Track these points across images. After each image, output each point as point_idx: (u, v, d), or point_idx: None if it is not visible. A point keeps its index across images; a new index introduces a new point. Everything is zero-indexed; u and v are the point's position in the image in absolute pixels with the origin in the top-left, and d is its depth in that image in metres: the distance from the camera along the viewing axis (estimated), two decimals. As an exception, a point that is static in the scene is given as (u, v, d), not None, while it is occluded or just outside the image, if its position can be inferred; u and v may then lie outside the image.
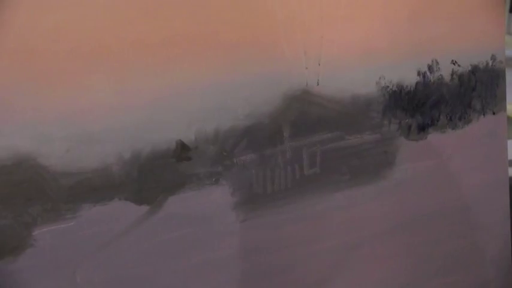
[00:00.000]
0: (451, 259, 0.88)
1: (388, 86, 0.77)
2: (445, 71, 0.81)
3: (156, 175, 0.64)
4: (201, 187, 0.67)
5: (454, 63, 0.82)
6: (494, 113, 0.87)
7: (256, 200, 0.71)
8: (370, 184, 0.79)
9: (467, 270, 0.90)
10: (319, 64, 0.71)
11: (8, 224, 0.57)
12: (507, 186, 0.90)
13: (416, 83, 0.79)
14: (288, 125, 0.71)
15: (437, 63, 0.80)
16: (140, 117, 0.61)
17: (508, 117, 0.90)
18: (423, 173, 0.83)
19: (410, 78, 0.78)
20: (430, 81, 0.80)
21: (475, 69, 0.84)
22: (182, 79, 0.63)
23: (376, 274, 0.82)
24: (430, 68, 0.80)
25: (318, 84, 0.71)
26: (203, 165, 0.66)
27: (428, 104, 0.81)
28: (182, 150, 0.64)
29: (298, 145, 0.72)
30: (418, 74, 0.79)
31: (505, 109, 0.88)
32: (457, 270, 0.89)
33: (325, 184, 0.75)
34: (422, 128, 0.81)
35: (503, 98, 0.87)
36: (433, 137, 0.83)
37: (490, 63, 0.85)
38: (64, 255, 0.60)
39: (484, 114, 0.86)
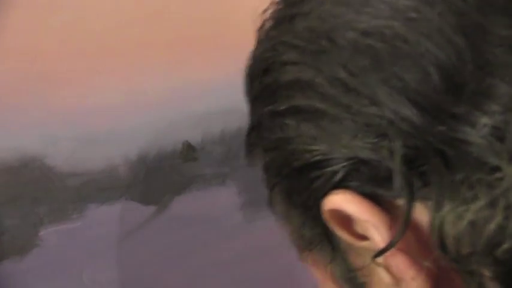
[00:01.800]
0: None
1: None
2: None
3: (163, 176, 0.64)
4: (208, 188, 0.67)
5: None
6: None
7: (262, 201, 0.71)
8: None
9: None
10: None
11: (15, 223, 0.57)
12: None
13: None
14: (295, 126, 0.70)
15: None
16: (147, 118, 0.61)
17: None
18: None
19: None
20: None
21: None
22: (189, 80, 0.63)
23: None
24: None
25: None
26: (210, 166, 0.66)
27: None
28: (189, 151, 0.64)
29: (305, 146, 0.72)
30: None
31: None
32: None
33: (332, 185, 0.75)
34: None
35: None
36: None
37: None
38: (71, 255, 0.61)
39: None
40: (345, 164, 0.28)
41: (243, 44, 0.66)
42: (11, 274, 0.58)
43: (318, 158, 0.29)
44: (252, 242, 0.71)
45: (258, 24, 0.35)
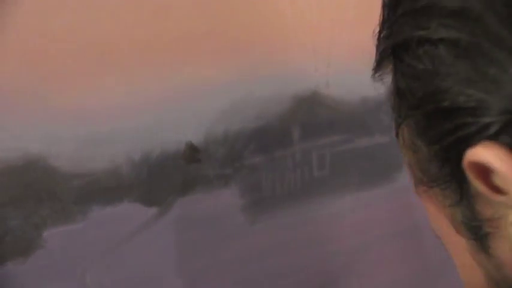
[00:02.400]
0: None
1: (397, 88, 0.76)
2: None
3: (166, 176, 0.63)
4: (211, 189, 0.67)
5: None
6: None
7: (265, 202, 0.71)
8: (379, 187, 0.79)
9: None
10: (328, 66, 0.70)
11: (18, 225, 0.57)
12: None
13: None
14: (298, 126, 0.70)
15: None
16: (150, 118, 0.61)
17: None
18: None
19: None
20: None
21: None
22: (192, 80, 0.63)
23: (385, 276, 0.82)
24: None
25: (327, 86, 0.71)
26: (212, 167, 0.66)
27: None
28: (192, 152, 0.64)
29: (308, 147, 0.72)
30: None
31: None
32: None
33: (334, 186, 0.75)
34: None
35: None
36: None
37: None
38: (74, 257, 0.60)
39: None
40: (502, 116, 0.25)
41: (246, 45, 0.66)
42: (14, 276, 0.58)
43: (472, 104, 0.26)
44: (255, 243, 0.71)
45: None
